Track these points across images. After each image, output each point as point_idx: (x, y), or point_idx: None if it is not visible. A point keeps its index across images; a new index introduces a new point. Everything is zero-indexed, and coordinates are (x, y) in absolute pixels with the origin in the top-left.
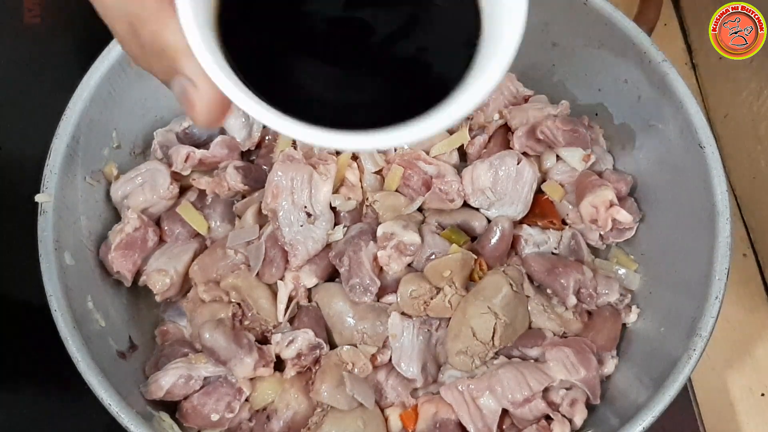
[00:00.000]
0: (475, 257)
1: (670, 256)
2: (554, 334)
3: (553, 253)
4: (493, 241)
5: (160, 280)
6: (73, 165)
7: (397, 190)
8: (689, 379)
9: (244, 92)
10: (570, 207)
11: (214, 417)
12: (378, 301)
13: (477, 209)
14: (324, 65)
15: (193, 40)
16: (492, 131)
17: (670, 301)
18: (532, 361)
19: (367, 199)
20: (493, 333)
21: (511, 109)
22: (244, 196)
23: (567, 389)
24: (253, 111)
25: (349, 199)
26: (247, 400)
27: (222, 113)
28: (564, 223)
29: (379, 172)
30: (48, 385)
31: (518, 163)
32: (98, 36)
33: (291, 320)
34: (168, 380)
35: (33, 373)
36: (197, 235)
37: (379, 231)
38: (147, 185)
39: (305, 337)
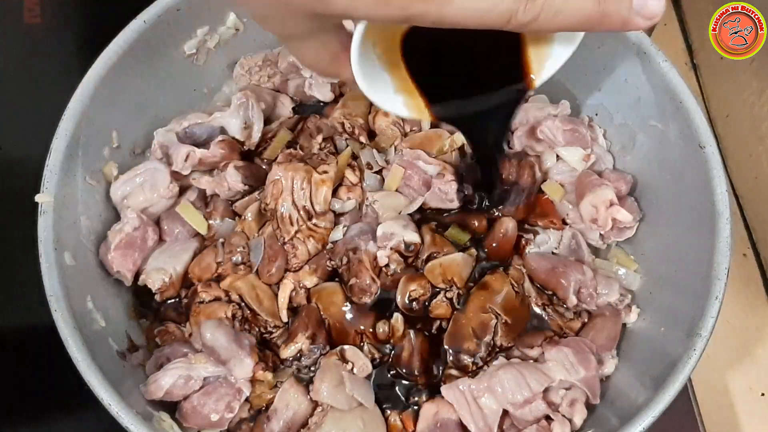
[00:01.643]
0: (476, 256)
1: (670, 256)
2: (554, 334)
3: (553, 253)
4: (497, 241)
5: (158, 278)
6: (73, 165)
7: (397, 190)
8: (689, 379)
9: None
10: (570, 207)
11: (214, 417)
12: (378, 301)
13: (477, 209)
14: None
15: (358, 77)
16: None
17: (670, 301)
18: (532, 361)
19: (367, 199)
20: (494, 333)
21: None
22: (243, 196)
23: (566, 389)
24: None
25: (349, 199)
26: (247, 400)
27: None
28: (564, 223)
29: (379, 172)
30: (47, 386)
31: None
32: (98, 36)
33: (291, 320)
34: (168, 380)
35: (33, 374)
36: (197, 234)
37: (379, 231)
38: (147, 184)
39: (305, 337)
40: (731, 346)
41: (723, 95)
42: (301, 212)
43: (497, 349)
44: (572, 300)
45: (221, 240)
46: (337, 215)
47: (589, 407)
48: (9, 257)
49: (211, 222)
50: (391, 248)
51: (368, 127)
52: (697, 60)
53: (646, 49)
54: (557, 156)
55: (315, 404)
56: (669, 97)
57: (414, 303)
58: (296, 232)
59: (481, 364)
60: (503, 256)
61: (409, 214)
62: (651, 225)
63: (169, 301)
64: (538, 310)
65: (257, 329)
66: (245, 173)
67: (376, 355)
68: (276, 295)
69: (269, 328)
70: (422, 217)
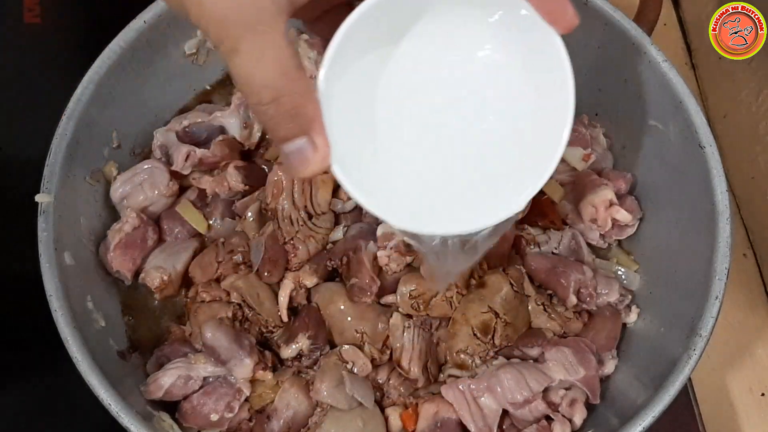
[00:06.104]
0: None
1: (670, 256)
2: (554, 334)
3: (553, 253)
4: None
5: (157, 276)
6: (73, 165)
7: None
8: (689, 379)
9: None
10: (570, 207)
11: (214, 417)
12: (378, 301)
13: None
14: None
15: (326, 117)
16: None
17: (670, 301)
18: (532, 361)
19: None
20: (493, 332)
21: None
22: (244, 196)
23: (566, 389)
24: (351, 190)
25: (350, 199)
26: (247, 400)
27: (321, 172)
28: (564, 223)
29: None
30: (48, 387)
31: None
32: (98, 36)
33: (291, 320)
34: (167, 380)
35: (32, 374)
36: (197, 234)
37: (379, 231)
38: (146, 183)
39: (305, 337)
40: (731, 346)
41: (721, 95)
42: (302, 212)
43: (497, 349)
44: (572, 300)
45: (221, 240)
46: (338, 215)
47: (589, 407)
48: (9, 257)
49: (211, 222)
50: (392, 248)
51: None
52: (697, 60)
53: (646, 49)
54: None
55: (315, 404)
56: (669, 97)
57: (414, 302)
58: (296, 232)
59: (480, 363)
60: (502, 255)
61: None
62: (651, 225)
63: (169, 301)
64: (538, 309)
65: (257, 329)
66: (245, 173)
67: (376, 355)
68: (276, 295)
69: (270, 328)
70: None
